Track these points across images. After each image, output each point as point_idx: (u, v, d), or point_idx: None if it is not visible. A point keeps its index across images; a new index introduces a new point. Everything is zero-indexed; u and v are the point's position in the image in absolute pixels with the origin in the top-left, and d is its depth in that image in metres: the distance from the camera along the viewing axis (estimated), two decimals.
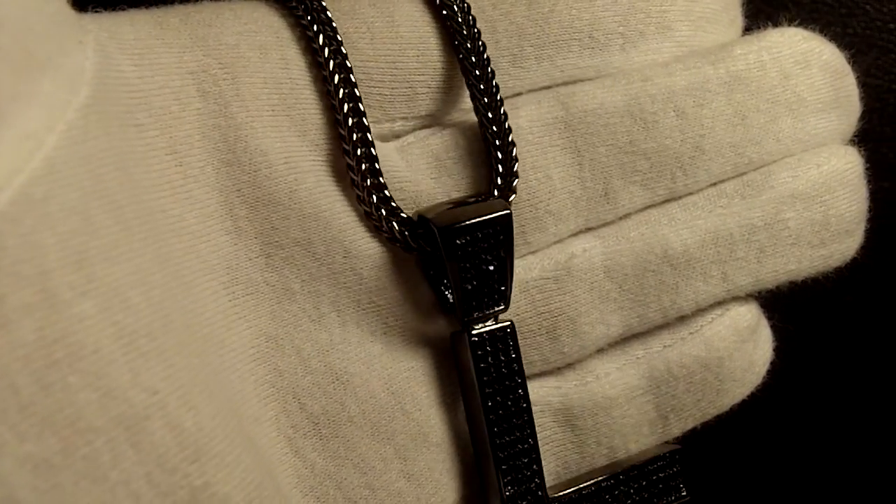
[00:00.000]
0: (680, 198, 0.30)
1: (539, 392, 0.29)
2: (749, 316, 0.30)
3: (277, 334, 0.25)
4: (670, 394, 0.30)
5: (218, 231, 0.24)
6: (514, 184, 0.27)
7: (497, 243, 0.26)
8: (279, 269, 0.25)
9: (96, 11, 0.25)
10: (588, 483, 0.28)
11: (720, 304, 0.30)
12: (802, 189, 0.30)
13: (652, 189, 0.29)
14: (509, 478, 0.27)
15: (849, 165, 0.31)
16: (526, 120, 0.28)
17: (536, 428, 0.28)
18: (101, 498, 0.20)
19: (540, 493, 0.27)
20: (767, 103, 0.30)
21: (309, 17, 0.26)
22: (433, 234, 0.26)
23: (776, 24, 0.32)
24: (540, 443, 0.28)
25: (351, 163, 0.26)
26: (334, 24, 0.26)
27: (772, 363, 0.31)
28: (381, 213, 0.26)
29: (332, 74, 0.26)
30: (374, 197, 0.26)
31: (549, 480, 0.29)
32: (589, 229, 0.29)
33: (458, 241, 0.26)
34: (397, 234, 0.26)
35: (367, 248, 0.26)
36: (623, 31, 0.29)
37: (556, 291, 0.28)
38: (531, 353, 0.28)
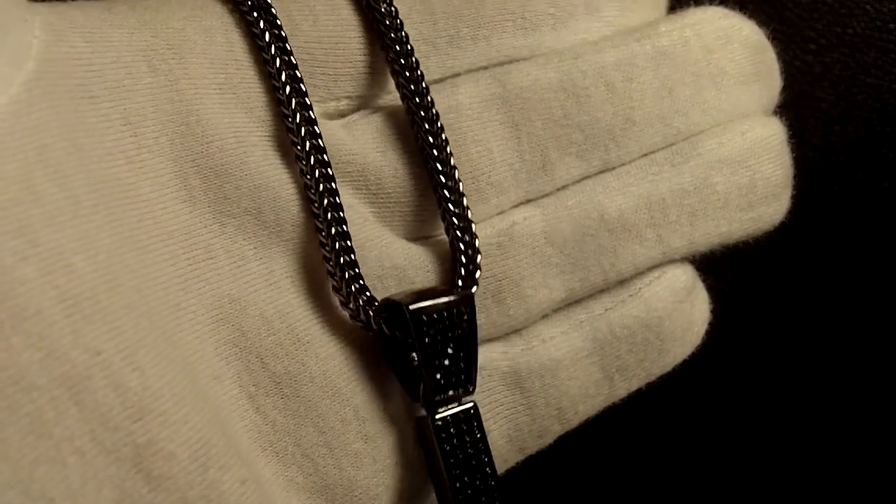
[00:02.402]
0: (614, 168, 0.31)
1: (487, 356, 0.29)
2: (685, 277, 0.32)
3: (241, 296, 0.26)
4: (614, 354, 0.31)
5: (173, 199, 0.25)
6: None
7: (463, 326, 0.27)
8: (233, 236, 0.26)
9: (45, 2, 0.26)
10: None
11: (658, 267, 0.31)
12: (728, 155, 0.31)
13: (587, 160, 0.30)
14: None
15: (772, 133, 0.32)
16: (465, 97, 0.29)
17: (484, 392, 0.29)
18: (47, 453, 0.20)
19: None
20: (692, 76, 0.31)
21: (250, 3, 0.27)
22: (400, 318, 0.26)
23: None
24: (491, 406, 0.29)
25: (295, 140, 0.27)
26: (273, 10, 0.27)
27: (709, 323, 0.32)
28: (350, 296, 0.26)
29: (273, 57, 0.27)
30: (338, 250, 0.26)
31: (503, 442, 0.30)
32: (529, 201, 0.30)
33: (424, 319, 0.26)
34: (366, 321, 0.26)
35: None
36: (553, 11, 0.30)
37: (500, 257, 0.29)
38: (480, 318, 0.29)
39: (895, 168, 0.40)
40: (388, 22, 0.28)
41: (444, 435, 0.27)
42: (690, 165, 0.31)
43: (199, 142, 0.25)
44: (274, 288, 0.26)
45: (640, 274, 0.31)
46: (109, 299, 0.22)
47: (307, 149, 0.27)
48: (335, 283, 0.27)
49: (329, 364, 0.27)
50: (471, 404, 0.27)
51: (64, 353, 0.21)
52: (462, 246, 0.28)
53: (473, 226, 0.28)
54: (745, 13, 0.34)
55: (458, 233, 0.28)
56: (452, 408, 0.27)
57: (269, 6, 0.27)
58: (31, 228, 0.21)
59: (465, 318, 0.27)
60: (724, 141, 0.31)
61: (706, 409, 0.42)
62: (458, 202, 0.28)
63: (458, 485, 0.27)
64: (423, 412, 0.27)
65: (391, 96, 0.29)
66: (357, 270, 0.27)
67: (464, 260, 0.28)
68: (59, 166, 0.22)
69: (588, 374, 0.30)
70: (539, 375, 0.30)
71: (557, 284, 0.30)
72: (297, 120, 0.27)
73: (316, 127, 0.27)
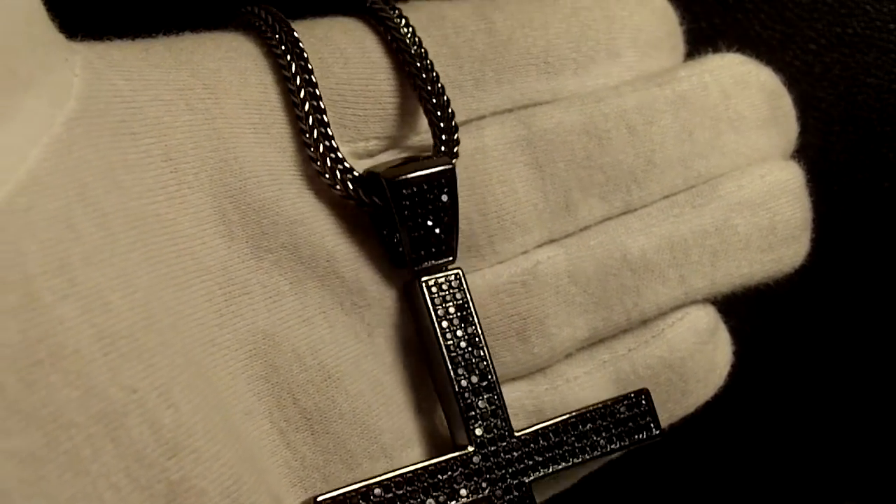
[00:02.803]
0: (635, 209, 0.31)
1: (512, 395, 0.30)
2: (707, 319, 0.32)
3: (274, 332, 0.26)
4: None
5: (212, 234, 0.25)
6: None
7: (442, 196, 0.28)
8: (269, 271, 0.26)
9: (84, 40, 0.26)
10: (553, 420, 0.29)
11: (680, 308, 0.32)
12: (748, 197, 0.32)
13: (609, 201, 0.31)
14: (473, 415, 0.28)
15: (791, 176, 0.33)
16: (491, 139, 0.30)
17: None
18: (84, 490, 0.21)
19: (505, 430, 0.28)
20: (711, 120, 0.32)
21: (283, 47, 0.28)
22: (383, 189, 0.27)
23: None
24: None
25: (326, 180, 0.27)
26: (305, 53, 0.27)
27: (732, 365, 0.33)
28: (336, 174, 0.27)
29: (302, 101, 0.27)
30: (329, 159, 0.27)
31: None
32: (552, 241, 0.30)
33: (404, 192, 0.27)
34: (351, 192, 0.27)
35: (348, 252, 0.27)
36: (575, 56, 0.31)
37: (524, 295, 0.29)
38: (504, 355, 0.29)
39: (895, 168, 0.40)
40: (418, 64, 0.29)
41: (433, 297, 0.28)
42: (711, 207, 0.31)
43: (236, 178, 0.26)
44: (307, 324, 0.27)
45: (663, 314, 0.31)
46: (146, 337, 0.22)
47: (336, 187, 0.27)
48: (318, 167, 0.27)
49: (358, 401, 0.27)
50: (457, 270, 0.28)
51: (102, 391, 0.21)
52: (439, 112, 0.29)
53: (449, 98, 0.29)
54: (745, 13, 0.34)
55: (433, 105, 0.29)
56: (439, 277, 0.28)
57: (302, 50, 0.28)
58: (71, 267, 0.21)
59: (446, 188, 0.28)
60: (744, 183, 0.32)
61: (728, 449, 0.42)
62: (437, 92, 0.29)
63: (448, 344, 0.28)
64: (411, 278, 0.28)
65: (419, 137, 0.30)
66: (341, 155, 0.27)
67: (442, 126, 0.29)
68: (98, 205, 0.23)
69: None
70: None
71: (581, 323, 0.30)
72: (326, 162, 0.27)
73: (343, 165, 0.27)
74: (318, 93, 0.27)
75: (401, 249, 0.28)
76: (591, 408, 0.29)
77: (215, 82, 0.26)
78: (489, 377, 0.28)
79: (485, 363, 0.28)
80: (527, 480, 0.28)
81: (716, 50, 0.33)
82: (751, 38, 0.39)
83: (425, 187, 0.28)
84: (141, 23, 0.28)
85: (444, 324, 0.28)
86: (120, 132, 0.24)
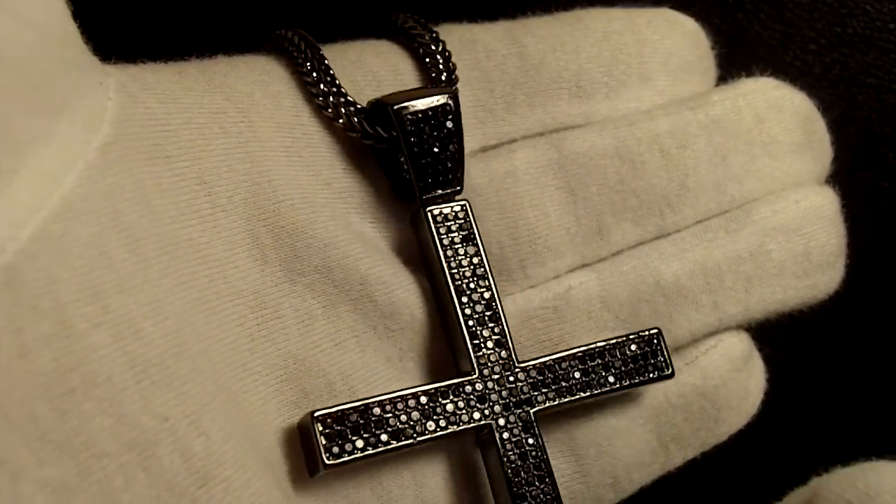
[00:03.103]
0: (668, 234, 0.31)
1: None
2: (741, 346, 0.31)
3: (306, 356, 0.26)
4: (669, 423, 0.30)
5: (245, 258, 0.26)
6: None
7: (447, 123, 0.28)
8: (302, 294, 0.26)
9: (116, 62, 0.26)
10: (560, 353, 0.28)
11: (714, 335, 0.31)
12: (783, 222, 0.31)
13: (642, 226, 0.30)
14: (478, 343, 0.27)
15: (826, 202, 0.32)
16: (522, 162, 0.30)
17: None
18: None
19: (510, 360, 0.28)
20: (745, 144, 0.31)
21: (315, 73, 0.28)
22: (389, 119, 0.27)
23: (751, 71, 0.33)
24: None
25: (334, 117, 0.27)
26: (337, 80, 0.28)
27: (765, 393, 0.32)
28: (339, 107, 0.27)
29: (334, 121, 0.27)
30: (334, 93, 0.27)
31: None
32: (584, 265, 0.30)
33: (409, 119, 0.27)
34: (355, 125, 0.27)
35: (381, 275, 0.27)
36: (607, 80, 0.31)
37: (556, 321, 0.29)
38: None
39: (895, 168, 0.40)
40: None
41: (439, 227, 0.28)
42: (745, 232, 0.31)
43: (270, 201, 0.26)
44: (339, 348, 0.27)
45: (696, 341, 0.31)
46: (177, 364, 0.22)
47: (339, 120, 0.27)
48: (321, 102, 0.27)
49: None
50: (464, 201, 0.28)
51: (134, 419, 0.21)
52: (433, 47, 0.29)
53: (438, 33, 0.29)
54: (745, 13, 0.34)
55: (425, 38, 0.29)
56: (444, 207, 0.28)
57: (333, 75, 0.28)
58: (104, 294, 0.21)
59: (451, 115, 0.28)
60: (779, 209, 0.31)
61: (760, 477, 0.42)
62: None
63: (453, 271, 0.28)
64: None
65: None
66: (344, 90, 0.28)
67: (439, 59, 0.29)
68: (131, 230, 0.23)
69: (643, 442, 0.30)
70: (594, 443, 0.30)
71: None
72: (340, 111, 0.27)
73: (351, 107, 0.27)
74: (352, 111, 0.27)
75: (407, 177, 0.28)
76: (600, 343, 0.29)
77: (249, 106, 0.26)
78: (494, 307, 0.28)
79: (490, 293, 0.28)
80: (531, 411, 0.28)
81: (716, 49, 0.33)
82: (751, 38, 0.39)
83: (430, 114, 0.28)
84: (173, 45, 0.28)
85: (449, 252, 0.28)
86: (154, 156, 0.24)
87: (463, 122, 0.28)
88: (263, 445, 0.24)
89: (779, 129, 0.32)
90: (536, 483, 0.27)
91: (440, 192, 0.28)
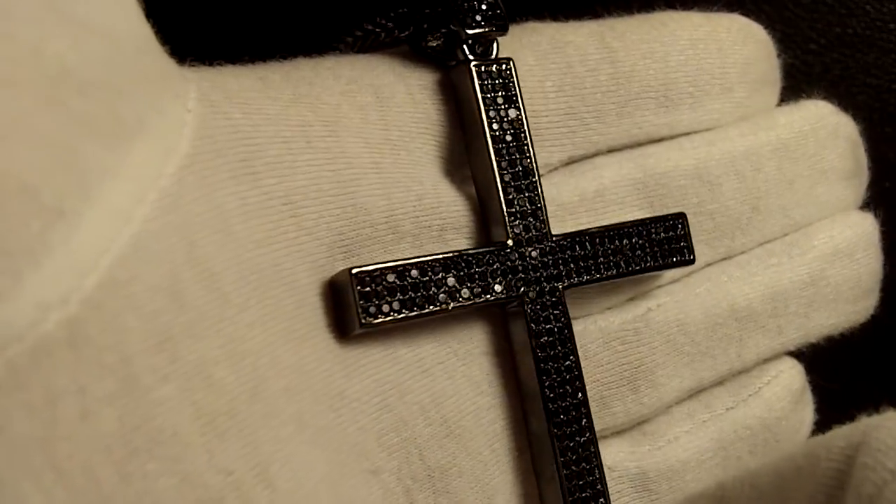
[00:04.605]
0: (733, 256, 0.31)
1: (616, 457, 0.29)
2: (800, 378, 0.32)
3: (399, 382, 0.25)
4: (735, 455, 0.30)
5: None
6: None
7: None
8: None
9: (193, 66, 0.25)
10: (591, 229, 0.28)
11: (774, 362, 0.32)
12: (841, 248, 0.32)
13: (714, 247, 0.31)
14: (514, 211, 0.27)
15: (871, 228, 0.33)
16: (609, 180, 0.30)
17: (613, 495, 0.28)
18: None
19: (544, 231, 0.27)
20: (809, 169, 0.32)
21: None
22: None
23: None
24: None
25: None
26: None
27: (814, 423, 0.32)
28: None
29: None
30: None
31: None
32: (658, 286, 0.30)
33: None
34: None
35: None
36: (692, 90, 0.31)
37: (636, 343, 0.29)
38: (615, 404, 0.29)
39: (895, 168, 0.40)
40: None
41: (482, 81, 0.27)
42: (808, 258, 0.32)
43: (352, 226, 0.25)
44: (427, 375, 0.26)
45: (758, 368, 0.31)
46: (248, 410, 0.21)
47: None
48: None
49: (476, 459, 0.26)
50: (508, 60, 0.27)
51: (198, 476, 0.20)
52: None
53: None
54: (745, 13, 0.34)
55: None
56: (490, 64, 0.27)
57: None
58: (172, 341, 0.20)
59: None
60: (835, 234, 0.32)
61: None
62: None
63: (495, 131, 0.27)
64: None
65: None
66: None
67: None
68: (207, 264, 0.21)
69: (711, 475, 0.30)
70: (667, 478, 0.29)
71: (688, 374, 0.30)
72: None
73: None
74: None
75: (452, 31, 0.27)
76: (627, 224, 0.29)
77: (335, 119, 0.25)
78: (532, 175, 0.27)
79: (528, 160, 0.27)
80: (560, 287, 0.27)
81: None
82: None
83: None
84: (234, 34, 0.27)
85: (492, 113, 0.27)
86: (239, 173, 0.23)
87: (552, 131, 0.29)
88: (352, 482, 0.23)
89: (835, 155, 0.33)
90: (561, 359, 0.27)
91: (485, 29, 0.27)
